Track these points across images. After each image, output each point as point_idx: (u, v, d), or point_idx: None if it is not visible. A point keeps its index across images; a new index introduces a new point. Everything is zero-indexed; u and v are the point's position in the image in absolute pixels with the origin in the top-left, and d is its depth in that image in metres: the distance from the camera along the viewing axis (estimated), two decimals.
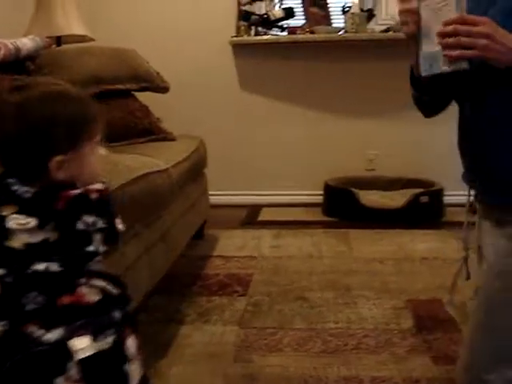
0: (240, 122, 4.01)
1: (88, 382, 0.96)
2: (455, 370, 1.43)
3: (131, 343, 1.04)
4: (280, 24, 3.89)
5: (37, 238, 0.98)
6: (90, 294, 1.01)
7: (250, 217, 3.74)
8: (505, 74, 1.16)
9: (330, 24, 3.95)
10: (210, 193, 3.29)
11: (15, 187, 0.99)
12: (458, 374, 1.38)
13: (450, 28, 1.12)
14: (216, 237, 3.24)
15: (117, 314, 1.03)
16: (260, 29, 3.86)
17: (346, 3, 3.88)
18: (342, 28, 3.81)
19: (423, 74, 1.25)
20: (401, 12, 1.26)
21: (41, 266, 0.98)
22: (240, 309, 2.26)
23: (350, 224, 3.47)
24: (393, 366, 1.83)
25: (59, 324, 0.97)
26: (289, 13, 3.87)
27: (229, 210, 3.83)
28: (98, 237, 1.02)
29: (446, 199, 3.66)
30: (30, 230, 0.97)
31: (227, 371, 1.80)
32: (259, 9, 3.96)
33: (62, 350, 0.95)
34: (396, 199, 3.54)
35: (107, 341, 0.99)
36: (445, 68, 1.17)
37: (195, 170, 2.83)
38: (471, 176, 1.42)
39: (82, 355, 0.96)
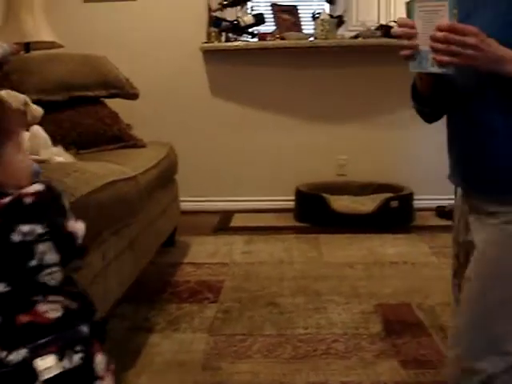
0: (211, 128, 4.01)
1: None
2: (446, 362, 1.44)
3: (100, 359, 1.00)
4: (250, 30, 3.90)
5: None
6: (49, 310, 0.97)
7: (222, 223, 3.74)
8: (491, 79, 1.26)
9: (300, 30, 3.97)
10: (182, 199, 3.28)
11: None
12: (449, 365, 1.39)
13: (441, 34, 1.20)
14: (187, 243, 3.23)
15: (84, 329, 1.00)
16: (230, 35, 3.87)
17: (316, 10, 3.91)
18: (312, 34, 3.84)
19: (411, 69, 1.32)
20: (400, 35, 1.32)
21: None
22: (210, 316, 2.26)
23: (321, 229, 3.48)
24: (361, 370, 1.84)
25: (21, 344, 0.94)
26: (259, 19, 3.88)
27: (201, 216, 3.82)
28: (41, 247, 0.95)
29: (416, 204, 3.70)
30: None
31: (196, 379, 1.80)
32: (230, 15, 3.97)
33: (26, 371, 0.92)
34: (366, 204, 3.56)
35: (74, 359, 0.96)
36: (433, 69, 1.26)
37: (165, 177, 2.82)
38: (463, 174, 1.49)
39: (46, 375, 0.93)
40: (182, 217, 3.29)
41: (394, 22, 3.86)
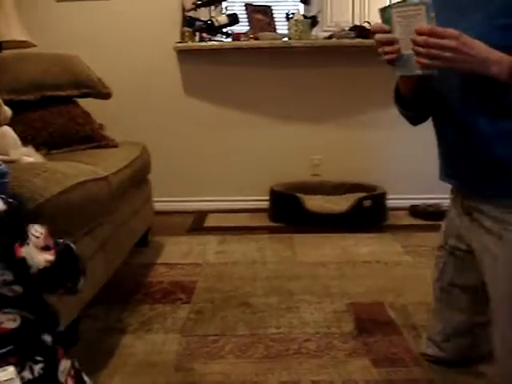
0: (185, 127, 4.00)
1: None
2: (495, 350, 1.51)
3: (64, 366, 1.00)
4: (224, 30, 3.90)
5: None
6: (5, 321, 0.96)
7: (196, 223, 3.73)
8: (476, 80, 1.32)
9: (274, 30, 3.98)
10: (155, 199, 3.27)
11: None
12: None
13: (421, 38, 1.25)
14: (161, 244, 3.22)
15: (45, 339, 1.00)
16: (204, 35, 3.87)
17: (289, 10, 3.92)
18: (286, 34, 3.85)
19: (398, 73, 1.41)
20: (379, 41, 1.36)
21: None
22: (183, 316, 2.25)
23: (295, 229, 3.49)
24: (333, 369, 1.84)
25: None
26: (233, 19, 3.88)
27: (174, 216, 3.82)
28: None
29: (389, 203, 3.73)
30: None
31: (168, 380, 1.78)
32: (204, 15, 3.97)
33: None
34: (340, 204, 3.58)
35: (35, 369, 0.94)
36: (417, 72, 1.32)
37: (138, 177, 2.81)
38: (457, 174, 1.55)
39: None
40: (155, 217, 3.28)
41: (368, 22, 3.90)
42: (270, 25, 3.99)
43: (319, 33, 3.95)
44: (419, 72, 1.32)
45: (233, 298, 2.45)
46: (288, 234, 3.42)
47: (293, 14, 3.86)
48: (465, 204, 1.58)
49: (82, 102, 2.96)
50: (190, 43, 3.84)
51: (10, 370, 0.92)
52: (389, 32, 1.36)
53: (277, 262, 2.94)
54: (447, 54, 1.24)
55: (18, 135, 2.13)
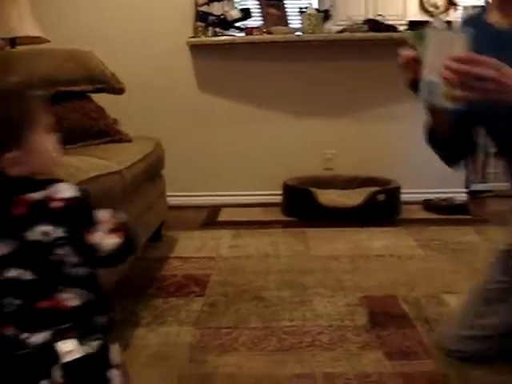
0: (198, 122, 4.01)
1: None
2: None
3: (115, 349, 1.04)
4: (237, 25, 3.90)
5: (3, 249, 0.98)
6: (68, 299, 1.00)
7: (210, 217, 3.74)
8: None
9: (287, 25, 3.97)
10: (169, 194, 3.28)
11: None
12: None
13: (455, 65, 1.12)
14: (175, 238, 3.23)
15: (100, 320, 1.03)
16: (217, 30, 3.87)
17: (302, 4, 3.92)
18: (299, 29, 3.84)
19: (422, 100, 1.27)
20: (401, 61, 1.27)
21: (13, 273, 0.98)
22: (196, 309, 2.26)
23: (309, 223, 3.50)
24: (346, 361, 1.85)
25: (43, 327, 0.97)
26: (246, 14, 3.88)
27: (188, 211, 3.83)
28: (59, 250, 0.99)
29: (403, 197, 3.72)
30: None
31: (182, 372, 1.80)
32: (216, 10, 3.96)
33: (48, 352, 0.96)
34: (353, 198, 3.57)
35: (93, 345, 0.99)
36: (445, 104, 1.19)
37: (152, 172, 2.82)
38: None
39: (68, 358, 0.96)
40: (169, 212, 3.29)
41: (381, 15, 3.88)
42: (283, 19, 3.98)
43: (332, 27, 3.94)
44: (445, 104, 1.20)
45: (246, 291, 2.46)
46: (301, 228, 3.42)
47: (306, 7, 3.85)
48: None
49: (96, 97, 2.97)
50: (202, 38, 3.84)
51: (71, 342, 0.97)
52: (415, 59, 1.27)
53: (290, 255, 2.94)
54: (487, 86, 1.11)
55: None
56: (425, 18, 3.98)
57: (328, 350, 1.93)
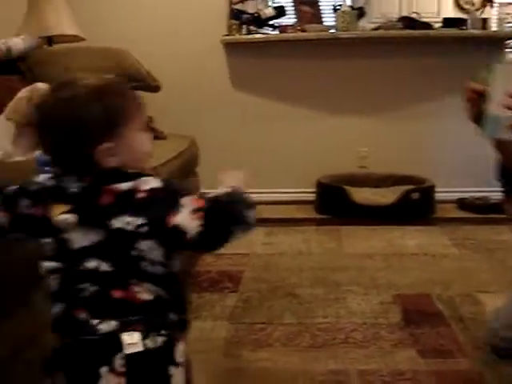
0: (232, 120, 4.03)
1: (130, 377, 0.99)
2: None
3: (181, 348, 1.05)
4: (271, 23, 3.91)
5: (87, 240, 1.01)
6: (141, 292, 1.02)
7: None
8: None
9: (321, 22, 3.96)
10: (203, 191, 3.30)
11: (66, 184, 1.03)
12: None
13: None
14: None
15: (172, 317, 1.05)
16: (251, 27, 3.88)
17: (336, 1, 3.91)
18: (333, 26, 3.84)
19: (485, 134, 1.25)
20: (467, 95, 1.27)
21: (91, 264, 1.01)
22: (230, 305, 2.29)
23: (342, 221, 3.49)
24: (379, 359, 1.85)
25: (112, 316, 1.00)
26: (280, 11, 3.89)
27: None
28: (142, 244, 1.01)
29: (437, 196, 3.69)
30: (74, 228, 1.01)
31: (217, 366, 1.82)
32: (250, 8, 3.98)
33: (112, 342, 0.98)
34: (387, 196, 3.56)
35: (157, 341, 1.00)
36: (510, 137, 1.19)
37: (186, 169, 2.85)
38: None
39: (130, 350, 0.98)
40: None
41: (416, 13, 3.86)
42: (317, 16, 3.97)
43: (366, 24, 3.92)
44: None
45: (279, 288, 2.47)
46: (334, 226, 3.42)
47: (340, 5, 3.84)
48: None
49: None
50: (237, 36, 3.86)
51: (136, 335, 0.99)
52: (481, 92, 1.26)
53: (323, 253, 2.95)
54: None
55: None
56: (460, 15, 3.95)
57: (361, 348, 1.93)
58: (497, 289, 2.39)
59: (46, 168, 1.37)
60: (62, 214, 1.02)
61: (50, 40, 3.45)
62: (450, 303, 2.28)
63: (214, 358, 1.87)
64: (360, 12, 3.88)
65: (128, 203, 1.00)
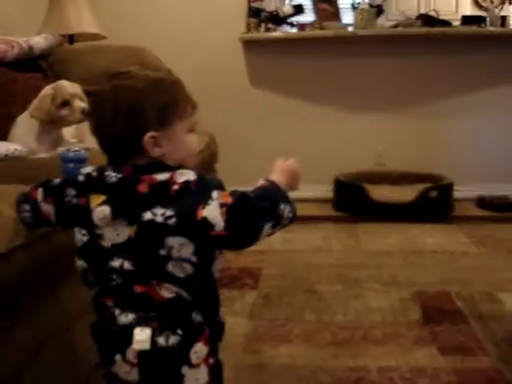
0: (251, 117, 4.05)
1: (142, 369, 1.02)
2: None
3: (200, 348, 1.04)
4: (290, 20, 3.92)
5: (119, 237, 1.03)
6: (162, 290, 1.03)
7: None
8: None
9: (340, 20, 3.97)
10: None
11: (107, 173, 1.05)
12: None
13: None
14: None
15: (195, 316, 1.05)
16: (270, 25, 3.89)
17: None
18: (352, 24, 3.84)
19: None
20: None
21: (116, 263, 1.03)
22: (250, 301, 2.30)
23: (360, 218, 3.50)
24: (399, 356, 1.85)
25: (132, 309, 1.03)
26: (298, 9, 3.90)
27: None
28: (171, 240, 1.01)
29: (456, 194, 3.68)
30: (108, 223, 1.04)
31: (237, 361, 1.83)
32: (269, 5, 3.99)
33: (126, 334, 1.01)
34: (405, 194, 3.55)
35: (171, 339, 1.01)
36: None
37: (206, 166, 2.86)
38: None
39: (137, 347, 1.00)
40: None
41: (434, 10, 3.84)
42: (336, 14, 3.97)
43: (385, 22, 3.92)
44: None
45: (299, 284, 2.48)
46: (353, 224, 3.42)
47: (358, 3, 3.84)
48: None
49: None
50: (255, 34, 3.87)
51: (147, 331, 1.00)
52: None
53: (342, 250, 2.95)
54: None
55: None
56: (478, 13, 3.93)
57: (381, 345, 1.94)
58: None
59: (70, 165, 1.40)
60: (99, 205, 1.04)
61: (72, 38, 3.48)
62: (470, 301, 2.28)
63: (233, 354, 1.88)
64: (378, 10, 3.88)
65: (162, 195, 1.01)
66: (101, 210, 1.04)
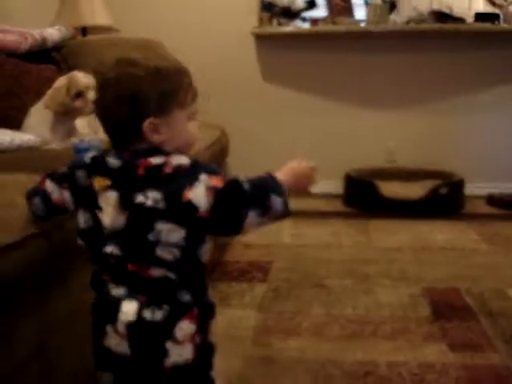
0: (262, 112, 4.05)
1: (132, 341, 1.05)
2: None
3: (186, 326, 1.06)
4: (302, 15, 3.91)
5: (117, 223, 1.06)
6: (150, 269, 1.05)
7: None
8: None
9: (352, 15, 3.96)
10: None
11: (109, 158, 1.07)
12: None
13: None
14: None
15: (183, 295, 1.07)
16: (282, 20, 3.89)
17: None
18: (364, 20, 3.83)
19: None
20: None
21: (109, 249, 1.07)
22: (259, 294, 2.31)
23: (370, 214, 3.50)
24: (408, 351, 1.85)
25: (124, 284, 1.07)
26: (311, 4, 3.90)
27: None
28: (160, 225, 1.03)
29: (467, 191, 3.67)
30: (110, 208, 1.06)
31: (246, 353, 1.84)
32: (282, 0, 3.99)
33: (117, 306, 1.05)
34: (416, 190, 3.55)
35: (157, 314, 1.04)
36: None
37: (217, 160, 2.86)
38: None
39: (123, 318, 1.04)
40: None
41: (448, 7, 3.83)
42: (348, 10, 3.97)
43: (397, 18, 3.91)
44: None
45: (308, 278, 2.48)
46: (363, 220, 3.42)
47: None
48: None
49: None
50: (267, 28, 3.87)
51: (134, 304, 1.05)
52: None
53: (351, 246, 2.96)
54: None
55: None
56: (492, 9, 3.91)
57: (390, 340, 1.94)
58: None
59: (83, 155, 1.41)
60: (104, 189, 1.07)
61: (85, 30, 3.49)
62: (479, 298, 2.27)
63: (243, 346, 1.89)
64: (391, 5, 3.88)
65: (155, 178, 1.03)
66: (109, 195, 1.06)
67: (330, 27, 3.81)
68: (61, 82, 2.06)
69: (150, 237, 1.03)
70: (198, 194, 1.01)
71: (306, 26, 3.90)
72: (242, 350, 1.86)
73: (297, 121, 4.04)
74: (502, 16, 3.73)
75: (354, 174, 3.77)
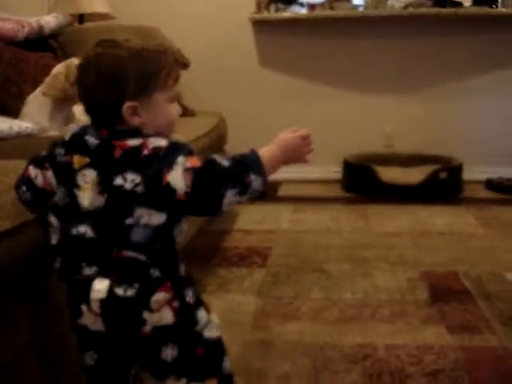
0: (260, 98, 4.05)
1: (106, 318, 1.06)
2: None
3: (160, 297, 1.06)
4: (300, 0, 3.90)
5: (93, 203, 1.06)
6: (121, 251, 1.05)
7: (270, 192, 3.77)
8: None
9: (350, 0, 3.95)
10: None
11: (88, 137, 1.07)
12: None
13: None
14: (236, 212, 3.28)
15: (153, 272, 1.06)
16: (280, 5, 3.88)
17: None
18: (362, 4, 3.82)
19: None
20: None
21: (82, 229, 1.06)
22: (258, 279, 2.32)
23: (369, 200, 3.51)
24: (407, 334, 1.86)
25: (96, 263, 1.06)
26: None
27: None
28: (139, 211, 1.03)
29: (465, 175, 3.68)
30: (88, 187, 1.06)
31: (246, 338, 1.85)
32: None
33: (89, 285, 1.06)
34: (414, 175, 3.55)
35: (128, 290, 1.04)
36: None
37: (216, 146, 2.87)
38: None
39: (94, 295, 1.05)
40: None
41: None
42: None
43: (395, 2, 3.89)
44: None
45: (307, 263, 2.49)
46: (361, 205, 3.43)
47: None
48: None
49: None
50: (265, 14, 3.86)
51: (105, 282, 1.05)
52: None
53: (350, 231, 2.96)
54: None
55: None
56: None
57: (389, 323, 1.95)
58: None
59: None
60: (82, 167, 1.07)
61: (82, 18, 3.49)
62: (477, 281, 2.28)
63: (242, 330, 1.90)
64: None
65: (133, 160, 1.03)
66: (88, 173, 1.06)
67: (327, 12, 3.80)
68: (59, 69, 2.06)
69: (128, 221, 1.03)
70: (176, 176, 1.00)
71: (304, 11, 3.89)
72: (241, 335, 1.87)
73: (294, 107, 4.03)
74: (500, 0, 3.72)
75: (352, 160, 3.78)
